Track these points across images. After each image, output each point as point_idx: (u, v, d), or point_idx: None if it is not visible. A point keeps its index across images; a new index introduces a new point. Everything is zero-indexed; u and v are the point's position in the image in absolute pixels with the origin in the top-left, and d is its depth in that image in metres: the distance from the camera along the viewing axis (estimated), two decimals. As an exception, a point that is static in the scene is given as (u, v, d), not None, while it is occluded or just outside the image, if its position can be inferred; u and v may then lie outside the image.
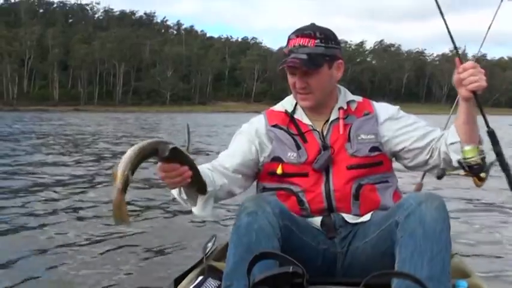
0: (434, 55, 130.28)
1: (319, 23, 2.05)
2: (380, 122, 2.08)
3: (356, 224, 1.99)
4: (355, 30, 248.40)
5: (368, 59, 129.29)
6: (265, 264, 1.61)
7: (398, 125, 2.08)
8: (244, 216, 1.74)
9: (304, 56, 1.96)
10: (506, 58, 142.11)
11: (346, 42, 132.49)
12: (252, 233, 1.70)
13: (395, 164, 2.12)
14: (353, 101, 2.13)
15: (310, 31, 2.00)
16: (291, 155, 2.02)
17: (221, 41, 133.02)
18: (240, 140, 2.14)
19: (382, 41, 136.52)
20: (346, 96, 2.14)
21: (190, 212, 1.99)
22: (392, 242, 1.76)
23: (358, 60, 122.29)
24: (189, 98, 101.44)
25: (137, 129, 25.37)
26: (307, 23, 2.06)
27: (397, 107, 2.17)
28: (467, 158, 1.86)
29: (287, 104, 2.17)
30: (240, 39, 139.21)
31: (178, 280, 2.10)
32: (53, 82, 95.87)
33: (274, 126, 2.09)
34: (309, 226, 1.98)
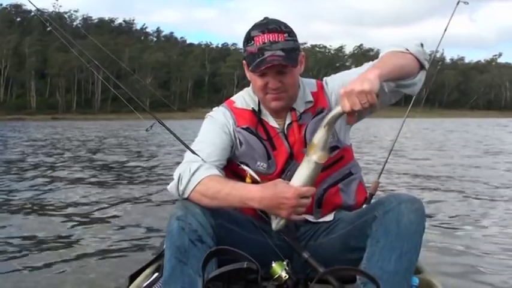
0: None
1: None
2: None
3: (317, 222, 2.00)
4: (335, 35, 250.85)
5: (347, 64, 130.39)
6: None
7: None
8: (174, 221, 1.72)
9: (281, 53, 1.83)
10: (483, 61, 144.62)
11: (325, 47, 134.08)
12: (184, 236, 1.69)
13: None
14: (310, 101, 2.01)
15: (275, 25, 1.87)
16: (261, 165, 1.96)
17: (201, 48, 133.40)
18: (218, 132, 1.98)
19: (361, 45, 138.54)
20: (305, 94, 2.02)
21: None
22: (365, 237, 1.78)
23: (337, 64, 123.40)
24: (168, 105, 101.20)
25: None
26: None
27: (332, 75, 2.11)
28: None
29: (250, 101, 2.03)
30: (220, 45, 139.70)
31: (133, 277, 2.12)
32: (30, 91, 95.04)
33: (243, 128, 1.97)
34: (256, 223, 1.93)
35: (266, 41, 1.84)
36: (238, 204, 1.77)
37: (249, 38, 1.89)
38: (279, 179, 1.76)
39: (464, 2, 3.09)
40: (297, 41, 1.90)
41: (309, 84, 2.05)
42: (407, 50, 1.83)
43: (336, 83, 2.00)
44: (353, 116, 1.67)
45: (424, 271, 2.13)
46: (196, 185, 1.79)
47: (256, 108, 2.01)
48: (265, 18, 1.92)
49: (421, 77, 1.88)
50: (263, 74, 1.88)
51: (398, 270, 1.67)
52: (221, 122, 1.99)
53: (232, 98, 2.09)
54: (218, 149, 1.93)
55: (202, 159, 1.87)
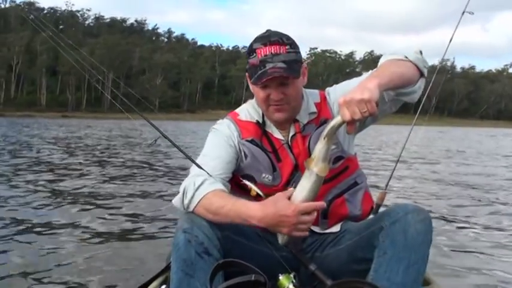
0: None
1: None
2: None
3: (323, 233, 2.00)
4: (346, 41, 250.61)
5: (357, 70, 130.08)
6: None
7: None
8: (181, 234, 1.71)
9: (283, 65, 1.83)
10: (494, 71, 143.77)
11: (336, 52, 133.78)
12: (190, 249, 1.68)
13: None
14: (313, 112, 2.01)
15: (277, 38, 1.88)
16: (266, 177, 1.96)
17: (211, 50, 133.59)
18: (223, 145, 1.98)
19: (372, 51, 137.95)
20: (308, 105, 2.01)
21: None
22: (372, 248, 1.77)
23: (347, 70, 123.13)
24: (178, 106, 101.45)
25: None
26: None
27: (334, 86, 2.09)
28: None
29: (254, 113, 2.03)
30: (230, 48, 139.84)
31: None
32: (41, 88, 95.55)
33: (248, 140, 1.97)
34: (262, 234, 1.91)
35: (268, 53, 1.85)
36: (239, 221, 1.74)
37: (251, 51, 1.90)
38: (280, 194, 1.72)
39: (470, 13, 3.12)
40: (299, 52, 1.93)
41: (312, 95, 2.06)
42: (406, 57, 1.82)
43: (338, 94, 2.00)
44: (353, 125, 1.66)
45: (433, 282, 2.12)
46: (201, 199, 1.78)
47: (261, 121, 2.01)
48: (268, 30, 1.93)
49: (421, 84, 1.88)
50: (265, 86, 1.88)
51: (406, 281, 1.66)
52: (226, 135, 2.00)
53: (236, 111, 2.10)
54: (223, 162, 1.93)
55: (208, 173, 1.86)
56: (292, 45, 1.89)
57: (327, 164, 1.69)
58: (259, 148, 1.97)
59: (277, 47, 1.86)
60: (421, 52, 1.87)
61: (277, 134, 1.99)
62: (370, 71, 1.90)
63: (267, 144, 1.98)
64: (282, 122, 1.97)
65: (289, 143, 1.97)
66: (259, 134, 1.99)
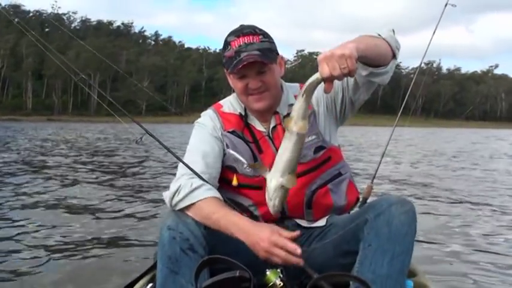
0: (410, 68, 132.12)
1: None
2: (319, 114, 2.02)
3: (310, 227, 1.99)
4: (332, 43, 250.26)
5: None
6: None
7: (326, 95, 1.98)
8: (166, 231, 1.72)
9: (258, 52, 1.86)
10: (479, 72, 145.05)
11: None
12: (175, 246, 1.68)
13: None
14: (293, 104, 1.97)
15: (249, 29, 1.92)
16: (247, 168, 1.96)
17: (199, 52, 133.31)
18: (207, 139, 2.00)
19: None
20: (288, 97, 2.04)
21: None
22: (357, 241, 1.78)
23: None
24: (165, 109, 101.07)
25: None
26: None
27: None
28: None
29: (237, 105, 2.07)
30: (218, 50, 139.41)
31: (128, 287, 2.12)
32: (27, 91, 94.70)
33: (230, 132, 2.00)
34: None
35: (242, 43, 1.89)
36: (226, 231, 1.74)
37: (225, 44, 1.94)
38: (273, 226, 1.72)
39: (452, 5, 3.16)
40: (273, 43, 1.96)
41: (292, 88, 2.09)
42: (379, 35, 1.82)
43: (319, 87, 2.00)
44: (331, 84, 1.58)
45: (418, 274, 2.11)
46: (193, 203, 1.79)
47: (243, 113, 2.04)
48: (241, 25, 1.97)
49: (392, 65, 1.87)
50: (243, 76, 1.92)
51: (391, 273, 1.66)
52: (210, 127, 2.02)
53: (220, 102, 2.13)
54: (215, 157, 1.96)
55: (197, 173, 1.86)
56: (265, 35, 1.94)
57: (307, 121, 1.66)
58: (240, 139, 1.99)
59: (251, 37, 1.90)
60: (393, 31, 1.87)
61: (259, 126, 2.02)
62: None
63: (249, 136, 2.00)
64: (263, 113, 1.99)
65: (271, 134, 1.99)
66: (241, 126, 2.01)
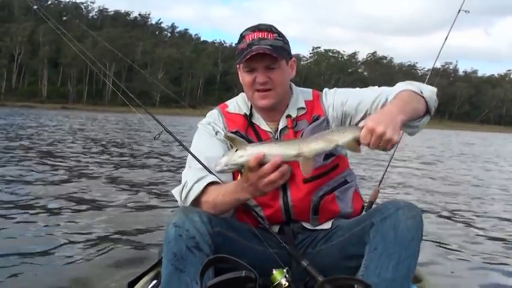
0: (426, 69, 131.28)
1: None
2: (332, 121, 2.01)
3: (316, 229, 1.99)
4: (349, 41, 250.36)
5: (360, 70, 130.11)
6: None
7: (343, 107, 2.00)
8: (172, 229, 1.71)
9: (269, 47, 1.87)
10: (496, 75, 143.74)
11: (339, 52, 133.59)
12: (181, 243, 1.68)
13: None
14: (302, 108, 2.03)
15: (266, 27, 1.94)
16: None
17: (214, 46, 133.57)
18: (214, 141, 2.00)
19: (374, 52, 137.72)
20: (298, 101, 2.04)
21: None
22: (363, 244, 1.77)
23: (350, 70, 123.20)
24: (178, 101, 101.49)
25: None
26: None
27: (335, 89, 2.11)
28: None
29: (243, 106, 2.07)
30: (233, 45, 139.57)
31: (132, 284, 2.10)
32: (42, 79, 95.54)
33: (233, 132, 1.98)
34: (254, 231, 1.92)
35: (255, 37, 1.90)
36: (234, 202, 1.78)
37: (240, 38, 1.95)
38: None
39: (465, 11, 3.14)
40: (287, 43, 1.97)
41: (303, 93, 2.09)
42: (421, 92, 1.85)
43: (338, 99, 2.02)
44: (360, 147, 1.66)
45: (424, 280, 2.11)
46: (200, 192, 1.83)
47: (248, 113, 2.04)
48: (258, 23, 1.98)
49: (425, 120, 1.92)
50: (252, 70, 1.92)
51: (396, 277, 1.66)
52: (214, 129, 2.03)
53: (226, 102, 2.14)
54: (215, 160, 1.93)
55: (207, 168, 1.88)
56: (281, 35, 1.95)
57: (312, 162, 1.66)
58: (243, 139, 1.96)
59: (266, 33, 1.91)
60: (435, 92, 1.92)
61: (264, 126, 2.01)
62: (384, 88, 1.96)
63: (253, 136, 1.99)
64: (269, 112, 1.99)
65: (279, 136, 1.98)
66: (244, 126, 2.01)
